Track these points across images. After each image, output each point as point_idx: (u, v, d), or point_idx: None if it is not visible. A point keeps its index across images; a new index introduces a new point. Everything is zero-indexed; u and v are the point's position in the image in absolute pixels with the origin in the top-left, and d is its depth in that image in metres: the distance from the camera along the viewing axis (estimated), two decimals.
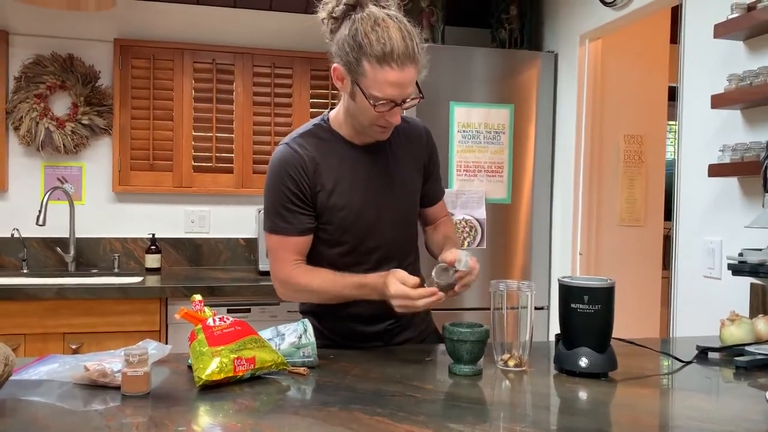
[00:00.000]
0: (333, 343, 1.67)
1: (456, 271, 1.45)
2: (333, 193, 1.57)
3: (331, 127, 1.62)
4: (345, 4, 1.46)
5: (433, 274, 1.47)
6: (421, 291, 1.42)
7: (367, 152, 1.62)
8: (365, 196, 1.60)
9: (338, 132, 1.61)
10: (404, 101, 1.46)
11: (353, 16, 1.44)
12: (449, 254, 1.46)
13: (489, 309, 1.44)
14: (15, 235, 3.25)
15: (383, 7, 1.46)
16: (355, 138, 1.60)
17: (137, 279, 3.10)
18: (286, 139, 1.61)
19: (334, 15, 1.48)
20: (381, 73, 1.41)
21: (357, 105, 1.49)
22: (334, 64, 1.49)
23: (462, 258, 1.44)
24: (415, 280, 1.44)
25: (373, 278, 1.50)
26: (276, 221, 1.58)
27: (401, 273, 1.45)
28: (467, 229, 3.10)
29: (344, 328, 1.67)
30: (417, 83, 1.48)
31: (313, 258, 1.61)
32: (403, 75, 1.42)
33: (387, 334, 1.69)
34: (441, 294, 1.43)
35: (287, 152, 1.57)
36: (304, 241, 1.59)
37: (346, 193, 1.58)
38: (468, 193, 3.11)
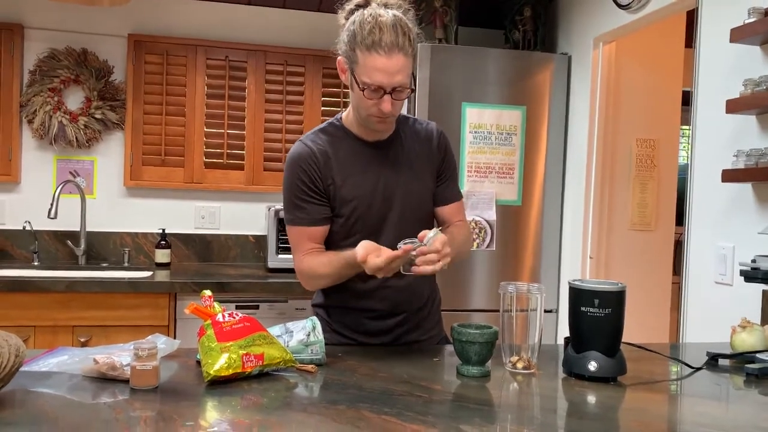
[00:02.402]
0: (341, 337, 1.69)
1: (422, 245, 1.42)
2: (344, 186, 1.63)
3: (344, 125, 1.69)
4: (355, 5, 1.56)
5: (398, 245, 1.45)
6: (386, 254, 1.41)
7: (378, 148, 1.67)
8: (375, 188, 1.64)
9: (350, 129, 1.68)
10: (394, 90, 1.51)
11: (355, 13, 1.54)
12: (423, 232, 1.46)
13: (498, 311, 1.43)
14: (27, 228, 3.27)
15: (386, 6, 1.53)
16: (365, 135, 1.66)
17: (147, 273, 3.11)
18: (302, 137, 1.69)
19: (345, 16, 1.57)
20: (369, 59, 1.48)
21: (355, 94, 1.57)
22: (339, 57, 1.58)
23: (430, 235, 1.43)
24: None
25: (350, 252, 1.50)
26: (293, 213, 1.65)
27: (368, 243, 1.47)
28: (477, 231, 3.09)
29: (353, 321, 1.70)
30: (413, 76, 1.52)
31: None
32: (391, 62, 1.48)
33: (395, 332, 1.70)
34: (397, 253, 1.41)
35: (300, 148, 1.66)
36: (320, 231, 1.64)
37: (356, 185, 1.63)
38: (478, 195, 3.10)
